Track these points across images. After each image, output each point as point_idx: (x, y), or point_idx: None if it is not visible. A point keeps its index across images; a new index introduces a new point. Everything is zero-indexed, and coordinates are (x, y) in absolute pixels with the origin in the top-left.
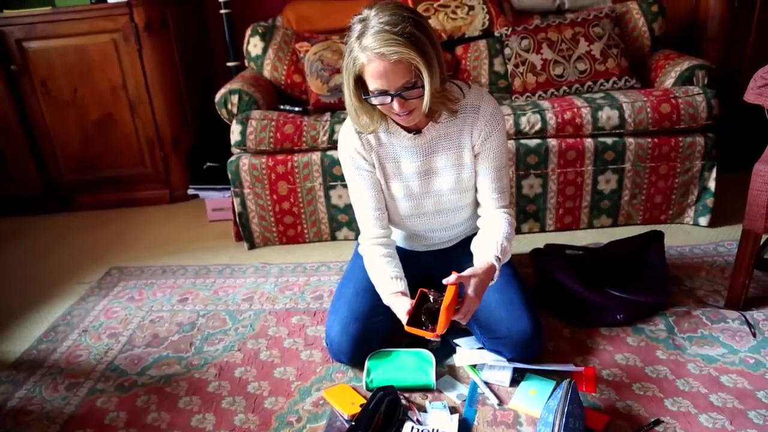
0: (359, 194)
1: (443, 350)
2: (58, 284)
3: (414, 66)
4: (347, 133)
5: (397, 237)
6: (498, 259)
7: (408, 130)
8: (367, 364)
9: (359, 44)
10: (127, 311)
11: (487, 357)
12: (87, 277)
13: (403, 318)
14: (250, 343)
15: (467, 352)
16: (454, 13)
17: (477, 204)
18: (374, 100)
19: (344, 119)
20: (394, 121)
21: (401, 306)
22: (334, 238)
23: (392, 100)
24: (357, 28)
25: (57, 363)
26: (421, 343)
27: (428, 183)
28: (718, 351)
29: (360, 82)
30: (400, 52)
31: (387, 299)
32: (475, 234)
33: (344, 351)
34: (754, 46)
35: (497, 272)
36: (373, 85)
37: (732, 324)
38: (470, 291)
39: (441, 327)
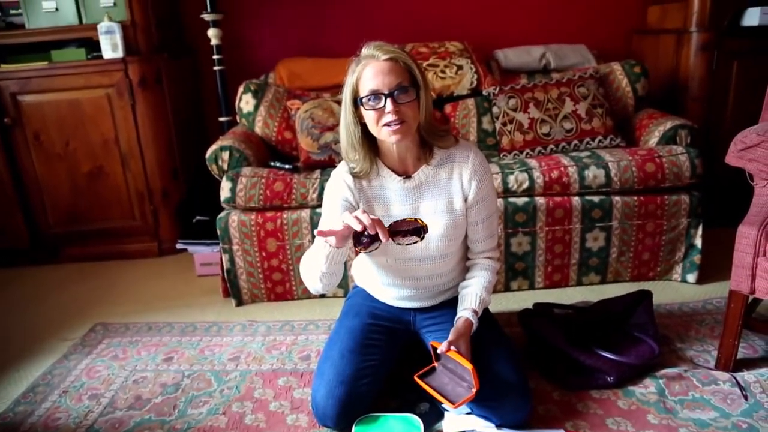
0: (329, 219)
1: (431, 415)
2: (41, 340)
3: (407, 70)
4: (341, 170)
5: (387, 295)
6: (475, 312)
7: (398, 173)
8: (354, 429)
9: (357, 61)
10: (110, 371)
11: (476, 423)
12: (71, 333)
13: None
14: (235, 406)
15: (455, 418)
16: (443, 72)
17: (464, 251)
18: (367, 107)
19: None
20: (384, 164)
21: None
22: (322, 295)
23: (385, 103)
24: (355, 59)
25: (34, 427)
26: (408, 408)
27: None
28: (710, 415)
29: (357, 110)
30: (394, 52)
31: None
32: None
33: (330, 415)
34: (734, 104)
35: (474, 325)
36: (367, 87)
37: (723, 386)
38: (462, 350)
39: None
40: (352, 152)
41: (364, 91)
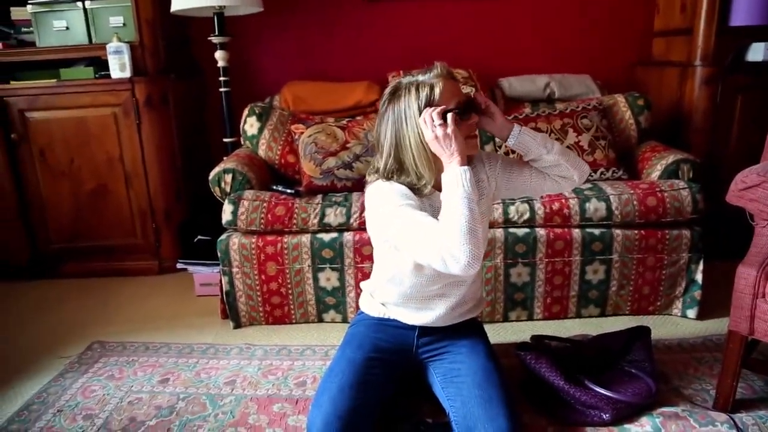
0: (420, 218)
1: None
2: (37, 357)
3: None
4: (394, 184)
5: (404, 308)
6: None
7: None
8: None
9: (421, 76)
10: (105, 390)
11: None
12: (68, 350)
13: None
14: (228, 431)
15: None
16: None
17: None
18: (464, 117)
19: (336, 202)
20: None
21: None
22: (321, 320)
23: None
24: (405, 82)
25: None
26: None
27: None
28: None
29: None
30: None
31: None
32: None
33: None
34: (737, 138)
35: (513, 132)
36: (452, 101)
37: (721, 427)
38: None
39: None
40: (427, 168)
41: (450, 104)
